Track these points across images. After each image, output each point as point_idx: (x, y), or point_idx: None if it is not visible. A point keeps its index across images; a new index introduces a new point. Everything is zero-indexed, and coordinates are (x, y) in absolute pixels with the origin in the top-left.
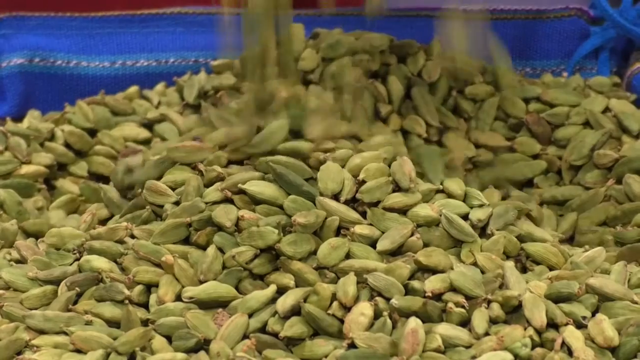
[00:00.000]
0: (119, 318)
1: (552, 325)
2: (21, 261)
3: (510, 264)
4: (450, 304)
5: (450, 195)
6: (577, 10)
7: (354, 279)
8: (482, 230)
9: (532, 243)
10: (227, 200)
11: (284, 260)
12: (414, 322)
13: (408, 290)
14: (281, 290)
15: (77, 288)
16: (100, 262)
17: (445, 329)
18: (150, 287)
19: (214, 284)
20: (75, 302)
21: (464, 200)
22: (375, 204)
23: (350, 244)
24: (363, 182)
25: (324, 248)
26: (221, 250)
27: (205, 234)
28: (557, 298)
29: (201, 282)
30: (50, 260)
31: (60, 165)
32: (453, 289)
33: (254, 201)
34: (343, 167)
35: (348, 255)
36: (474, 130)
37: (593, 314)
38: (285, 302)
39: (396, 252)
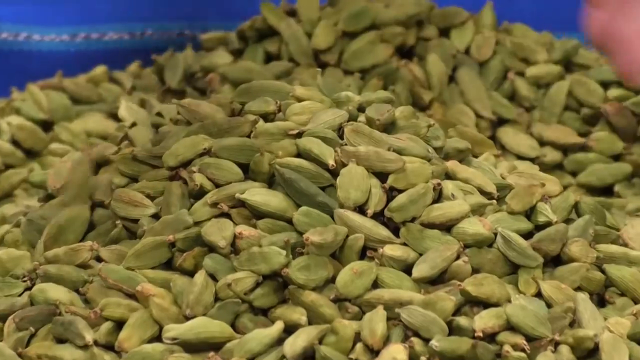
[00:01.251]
0: None
1: None
2: None
3: (584, 296)
4: (506, 347)
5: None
6: None
7: (383, 314)
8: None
9: (618, 266)
10: (221, 214)
11: (293, 290)
12: None
13: (452, 329)
14: (290, 329)
15: (29, 326)
16: (57, 292)
17: None
18: (121, 324)
19: (204, 321)
20: (27, 344)
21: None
22: (411, 218)
23: (379, 270)
24: (393, 190)
25: (345, 275)
26: (213, 277)
27: (193, 255)
28: None
29: (188, 318)
30: None
31: (6, 167)
32: (510, 327)
33: (256, 215)
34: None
35: (375, 284)
36: (538, 122)
37: None
38: (295, 344)
39: (437, 279)
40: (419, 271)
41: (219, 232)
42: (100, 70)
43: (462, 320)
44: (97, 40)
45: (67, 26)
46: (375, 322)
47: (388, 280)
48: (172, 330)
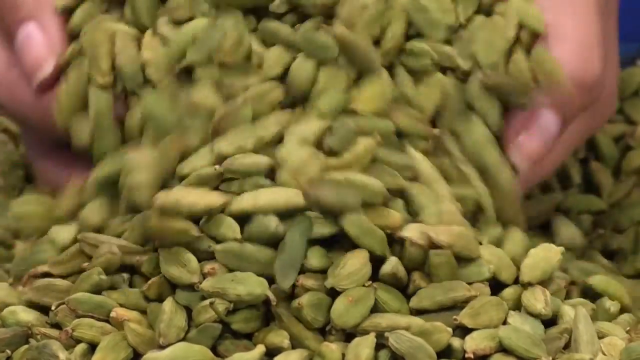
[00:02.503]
0: None
1: None
2: None
3: (585, 312)
4: None
5: None
6: None
7: (372, 340)
8: None
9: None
10: None
11: (282, 314)
12: None
13: (444, 351)
14: (272, 352)
15: (6, 349)
16: (28, 314)
17: None
18: (94, 346)
19: (184, 347)
20: None
21: None
22: None
23: (378, 292)
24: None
25: (340, 304)
26: (188, 308)
27: (158, 284)
28: None
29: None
30: None
31: None
32: (503, 349)
33: None
34: None
35: (374, 307)
36: None
37: None
38: None
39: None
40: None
41: (183, 269)
42: None
43: (453, 342)
44: None
45: None
46: (362, 348)
47: (389, 302)
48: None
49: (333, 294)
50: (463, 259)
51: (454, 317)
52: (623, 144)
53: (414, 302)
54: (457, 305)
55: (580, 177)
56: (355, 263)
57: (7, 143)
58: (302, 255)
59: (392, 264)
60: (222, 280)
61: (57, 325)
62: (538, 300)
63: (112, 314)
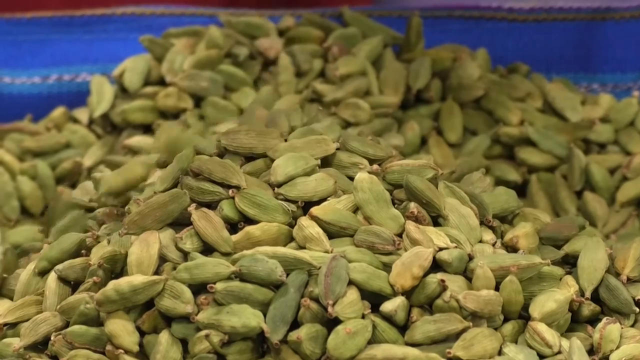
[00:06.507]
0: None
1: None
2: None
3: (578, 343)
4: None
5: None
6: None
7: None
8: None
9: None
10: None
11: (281, 347)
12: None
13: None
14: None
15: None
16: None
17: None
18: None
19: None
20: None
21: None
22: None
23: (377, 321)
24: None
25: (337, 335)
26: (184, 340)
27: (153, 317)
28: None
29: None
30: None
31: None
32: None
33: None
34: None
35: (372, 337)
36: None
37: None
38: None
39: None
40: (410, 337)
41: (178, 300)
42: (59, 112)
43: None
44: (70, 82)
45: (38, 68)
46: None
47: (385, 335)
48: None
49: (329, 325)
50: None
51: (447, 350)
52: (618, 175)
53: (408, 336)
54: (451, 338)
55: (576, 208)
56: (354, 292)
57: (2, 174)
58: (294, 311)
59: (394, 304)
60: (217, 312)
61: (54, 357)
62: (550, 334)
63: (108, 348)
